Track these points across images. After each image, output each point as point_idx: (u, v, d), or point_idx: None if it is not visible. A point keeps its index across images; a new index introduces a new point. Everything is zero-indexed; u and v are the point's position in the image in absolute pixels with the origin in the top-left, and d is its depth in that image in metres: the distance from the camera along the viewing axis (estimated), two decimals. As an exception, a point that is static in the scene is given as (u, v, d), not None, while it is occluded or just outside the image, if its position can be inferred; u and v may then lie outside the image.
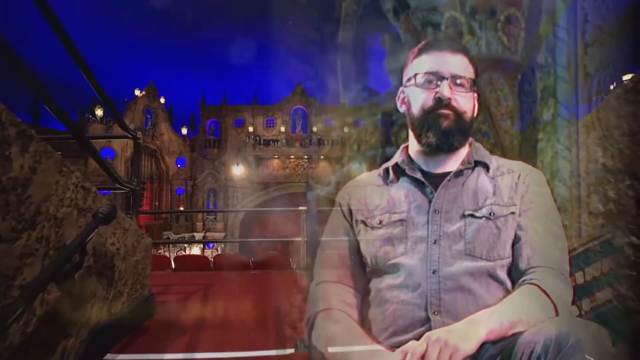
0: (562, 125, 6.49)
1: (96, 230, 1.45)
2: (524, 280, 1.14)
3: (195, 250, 22.66)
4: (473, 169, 1.25)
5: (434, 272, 1.14)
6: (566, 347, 0.88)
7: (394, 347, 1.07)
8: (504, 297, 1.13)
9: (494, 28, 5.68)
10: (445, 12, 5.67)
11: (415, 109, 1.23)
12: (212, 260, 7.31)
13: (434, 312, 1.11)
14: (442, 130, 1.20)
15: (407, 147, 1.32)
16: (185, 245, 22.93)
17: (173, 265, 6.78)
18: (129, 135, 3.17)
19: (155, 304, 2.58)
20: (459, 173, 1.24)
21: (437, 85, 1.20)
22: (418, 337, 1.05)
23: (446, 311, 1.10)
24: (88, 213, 1.57)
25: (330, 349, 1.11)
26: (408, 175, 1.26)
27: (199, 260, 7.28)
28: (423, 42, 1.26)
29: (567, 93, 6.36)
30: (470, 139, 1.30)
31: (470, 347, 0.97)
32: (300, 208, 4.85)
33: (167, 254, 22.23)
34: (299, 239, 4.91)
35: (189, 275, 4.86)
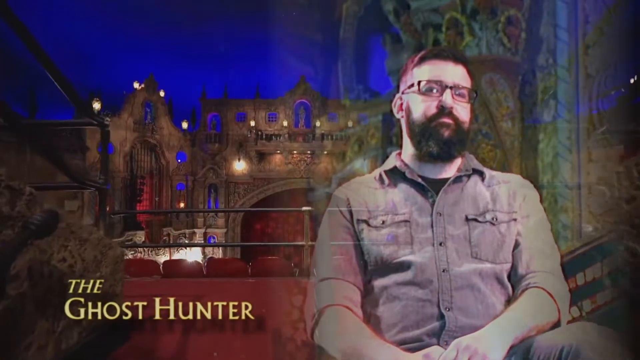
0: (563, 126, 6.68)
1: (29, 246, 1.19)
2: (528, 284, 1.19)
3: (196, 248, 22.92)
4: (469, 176, 1.30)
5: (444, 271, 1.18)
6: (584, 354, 0.93)
7: (403, 343, 1.13)
8: (507, 300, 1.20)
9: (494, 29, 5.86)
10: (446, 13, 5.84)
11: (417, 116, 1.27)
12: (205, 265, 6.97)
13: (446, 309, 1.14)
14: (444, 139, 1.24)
15: (399, 154, 1.36)
16: (186, 241, 23.16)
17: (162, 271, 6.44)
18: (94, 122, 2.68)
19: (129, 326, 2.13)
20: (457, 179, 1.28)
21: (439, 94, 1.25)
22: (431, 333, 1.13)
23: (457, 308, 1.14)
24: (19, 223, 1.29)
25: (339, 347, 1.14)
26: (407, 179, 1.30)
27: (190, 266, 6.95)
28: (424, 51, 1.31)
29: (568, 94, 6.54)
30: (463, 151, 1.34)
31: (500, 355, 1.02)
32: (304, 208, 4.60)
33: (166, 253, 22.46)
34: (302, 242, 4.61)
35: (178, 283, 4.21)
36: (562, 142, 6.34)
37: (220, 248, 23.38)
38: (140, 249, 21.90)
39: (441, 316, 1.14)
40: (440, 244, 1.20)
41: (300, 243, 4.75)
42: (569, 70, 6.08)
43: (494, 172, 1.35)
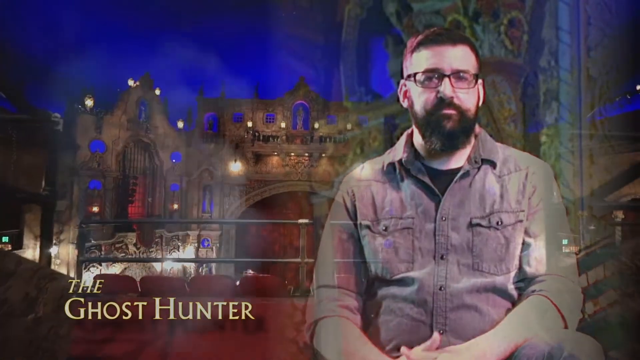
0: (565, 128, 6.86)
1: None
2: (533, 291, 1.17)
3: (190, 248, 22.99)
4: (480, 167, 1.25)
5: (440, 289, 1.16)
6: None
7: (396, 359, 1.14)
8: (510, 309, 1.17)
9: (497, 31, 6.04)
10: (448, 16, 6.01)
11: (418, 109, 1.24)
12: (188, 282, 6.42)
13: (439, 331, 1.14)
14: (446, 132, 1.20)
15: (411, 135, 1.32)
16: (179, 244, 23.25)
17: (139, 288, 6.36)
18: (38, 119, 1.95)
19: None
20: (465, 174, 1.24)
21: (438, 83, 1.19)
22: None
23: (451, 330, 1.14)
24: None
25: (336, 356, 1.17)
26: (413, 176, 1.27)
27: (172, 283, 6.54)
28: (421, 35, 1.25)
29: (571, 96, 6.72)
30: (477, 129, 1.29)
31: None
32: (300, 221, 4.35)
33: (159, 253, 22.48)
34: (298, 259, 4.30)
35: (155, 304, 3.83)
36: (565, 144, 6.51)
37: (214, 250, 23.47)
38: (132, 250, 21.99)
39: None
40: (442, 257, 1.19)
41: (295, 260, 4.43)
42: (571, 73, 6.24)
43: (509, 152, 1.29)
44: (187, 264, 21.04)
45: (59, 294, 1.70)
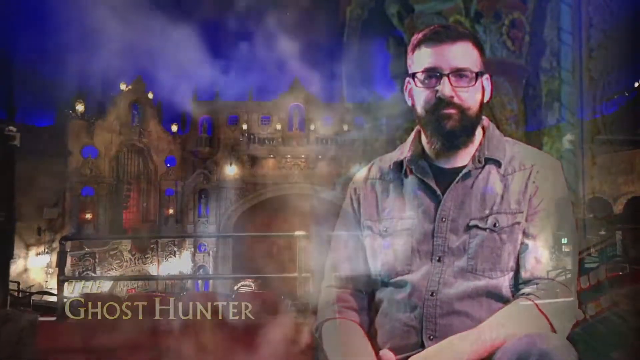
0: (567, 128, 6.95)
1: None
2: (523, 294, 1.15)
3: (186, 253, 22.97)
4: (483, 167, 1.24)
5: (432, 294, 1.16)
6: None
7: None
8: None
9: (498, 32, 6.12)
10: (450, 17, 6.08)
11: (419, 109, 1.24)
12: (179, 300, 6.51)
13: (429, 337, 1.14)
14: (446, 132, 1.19)
15: (419, 132, 1.30)
16: (175, 249, 23.24)
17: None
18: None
19: None
20: (467, 174, 1.23)
21: (437, 83, 1.18)
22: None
23: (441, 336, 1.13)
24: None
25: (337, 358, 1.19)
26: (417, 176, 1.27)
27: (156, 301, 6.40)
28: (422, 32, 1.23)
29: (572, 97, 6.82)
30: (486, 123, 1.28)
31: None
32: (297, 233, 4.21)
33: (154, 262, 22.42)
34: (295, 274, 4.12)
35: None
36: (566, 144, 6.59)
37: (211, 257, 23.46)
38: (127, 257, 21.95)
39: (422, 344, 1.15)
40: (439, 260, 1.19)
41: (292, 275, 4.26)
42: (573, 73, 6.31)
43: (517, 149, 1.27)
44: (182, 271, 20.96)
45: (15, 335, 1.54)
